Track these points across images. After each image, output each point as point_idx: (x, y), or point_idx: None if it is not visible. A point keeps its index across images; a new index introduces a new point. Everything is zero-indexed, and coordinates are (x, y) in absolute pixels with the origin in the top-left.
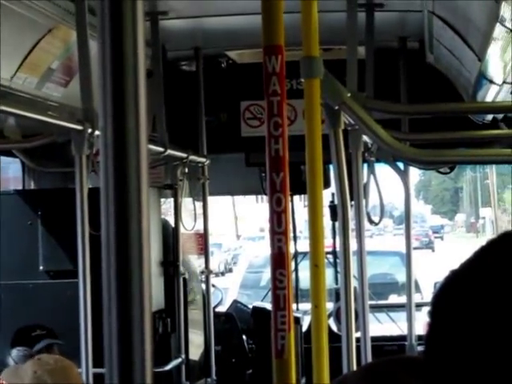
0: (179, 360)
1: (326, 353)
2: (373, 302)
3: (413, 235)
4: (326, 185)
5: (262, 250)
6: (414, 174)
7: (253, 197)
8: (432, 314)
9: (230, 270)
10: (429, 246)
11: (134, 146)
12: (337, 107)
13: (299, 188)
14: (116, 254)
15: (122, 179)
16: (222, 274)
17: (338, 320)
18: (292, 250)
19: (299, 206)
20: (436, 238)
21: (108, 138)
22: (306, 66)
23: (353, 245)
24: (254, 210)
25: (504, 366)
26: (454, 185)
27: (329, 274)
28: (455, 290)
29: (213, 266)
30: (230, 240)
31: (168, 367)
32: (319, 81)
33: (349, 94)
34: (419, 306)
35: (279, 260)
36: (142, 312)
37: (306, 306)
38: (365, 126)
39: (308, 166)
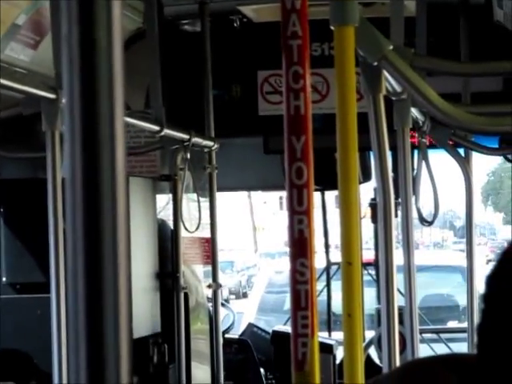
0: None
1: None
2: (426, 327)
3: (487, 247)
4: (366, 177)
5: (285, 265)
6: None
7: (276, 200)
8: (486, 298)
9: (245, 295)
10: None
11: (106, 118)
12: (376, 63)
13: (332, 182)
14: (84, 262)
15: (90, 163)
16: (236, 297)
17: (380, 350)
18: (324, 261)
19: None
20: None
21: (75, 110)
22: (336, 10)
23: (400, 256)
24: (277, 217)
25: None
26: None
27: (371, 293)
28: None
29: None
30: (246, 257)
31: None
32: (353, 29)
33: (391, 47)
34: None
35: (300, 247)
36: (116, 337)
37: (340, 335)
38: (413, 89)
39: (339, 150)
